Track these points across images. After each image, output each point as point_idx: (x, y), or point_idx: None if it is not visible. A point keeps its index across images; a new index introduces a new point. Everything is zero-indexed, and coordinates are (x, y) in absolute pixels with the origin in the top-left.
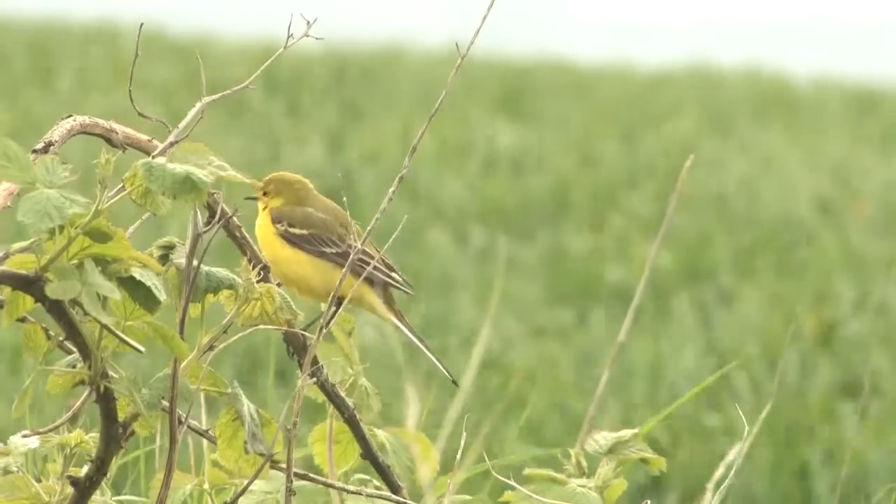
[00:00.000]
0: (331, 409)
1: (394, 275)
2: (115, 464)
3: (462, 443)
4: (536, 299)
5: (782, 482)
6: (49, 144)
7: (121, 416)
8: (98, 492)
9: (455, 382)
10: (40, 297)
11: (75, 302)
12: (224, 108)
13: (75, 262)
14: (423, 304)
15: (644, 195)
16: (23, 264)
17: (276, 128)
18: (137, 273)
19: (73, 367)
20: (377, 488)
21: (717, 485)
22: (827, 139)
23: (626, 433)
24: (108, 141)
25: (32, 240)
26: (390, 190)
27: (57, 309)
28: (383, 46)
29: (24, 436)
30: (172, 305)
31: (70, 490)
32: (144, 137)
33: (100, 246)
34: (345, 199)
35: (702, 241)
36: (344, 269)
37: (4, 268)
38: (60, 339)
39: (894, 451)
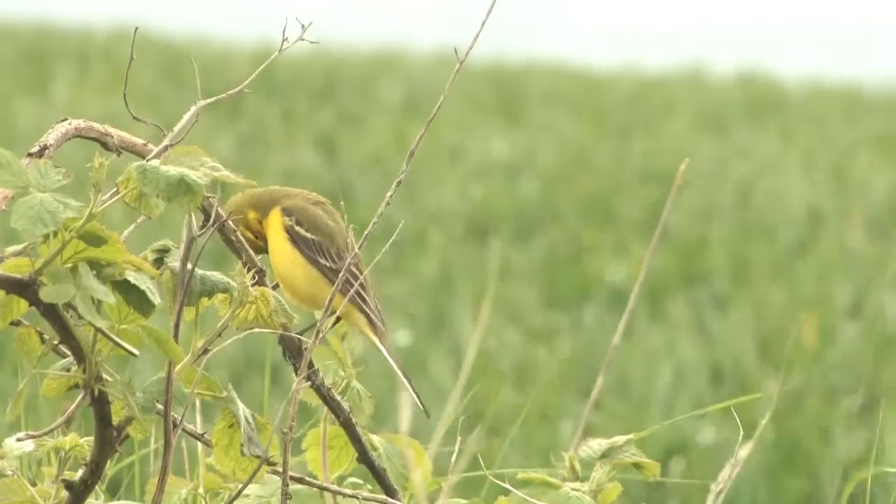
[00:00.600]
0: (324, 412)
1: (370, 305)
2: (110, 468)
3: (456, 447)
4: (531, 303)
5: (783, 489)
6: (44, 148)
7: (115, 420)
8: (93, 496)
9: (427, 413)
10: (34, 301)
11: (69, 305)
12: (216, 112)
13: (69, 265)
14: (419, 308)
15: (639, 199)
16: (17, 268)
17: (269, 131)
18: (132, 277)
19: (68, 370)
20: (371, 492)
21: (718, 490)
22: (822, 143)
23: (620, 439)
24: (104, 145)
25: (26, 243)
26: (388, 194)
27: (51, 312)
28: (376, 51)
29: (19, 439)
30: (167, 309)
31: (65, 494)
32: (140, 141)
33: (94, 249)
34: (342, 203)
35: (697, 245)
36: (333, 289)
37: None
38: (55, 342)
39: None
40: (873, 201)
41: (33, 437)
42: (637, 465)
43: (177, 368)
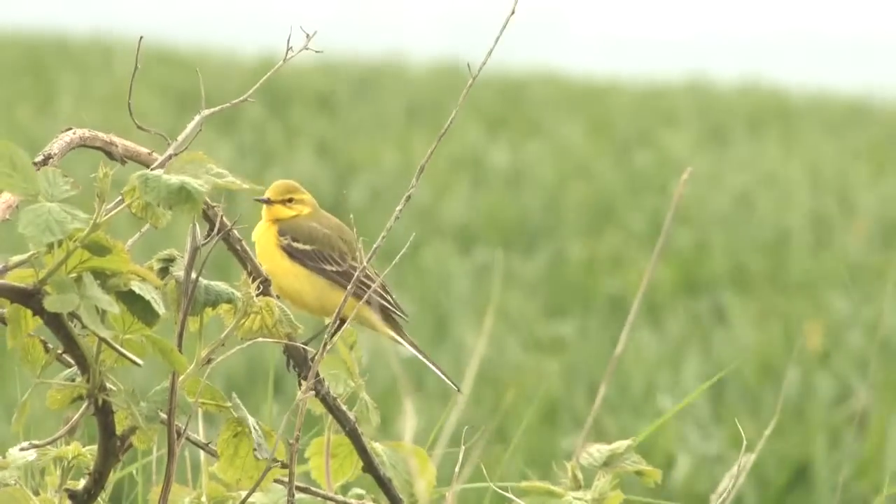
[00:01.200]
0: (328, 421)
1: (389, 299)
2: (113, 477)
3: (460, 456)
4: (534, 313)
5: (783, 493)
6: (48, 157)
7: (119, 430)
8: None
9: (458, 389)
10: (38, 310)
11: (74, 315)
12: (216, 120)
13: (74, 275)
14: (422, 319)
15: (641, 208)
16: (21, 277)
17: (269, 140)
18: (136, 286)
19: (72, 380)
20: (375, 501)
21: (722, 498)
22: (823, 152)
23: (621, 445)
24: (108, 154)
25: (31, 253)
26: (397, 209)
27: (55, 322)
28: (377, 60)
29: (22, 448)
30: (172, 319)
31: (68, 503)
32: (144, 150)
33: (98, 259)
34: (351, 216)
35: (698, 255)
36: (346, 292)
37: (3, 281)
38: (59, 352)
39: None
40: (875, 210)
41: (36, 446)
42: (639, 473)
43: (181, 378)
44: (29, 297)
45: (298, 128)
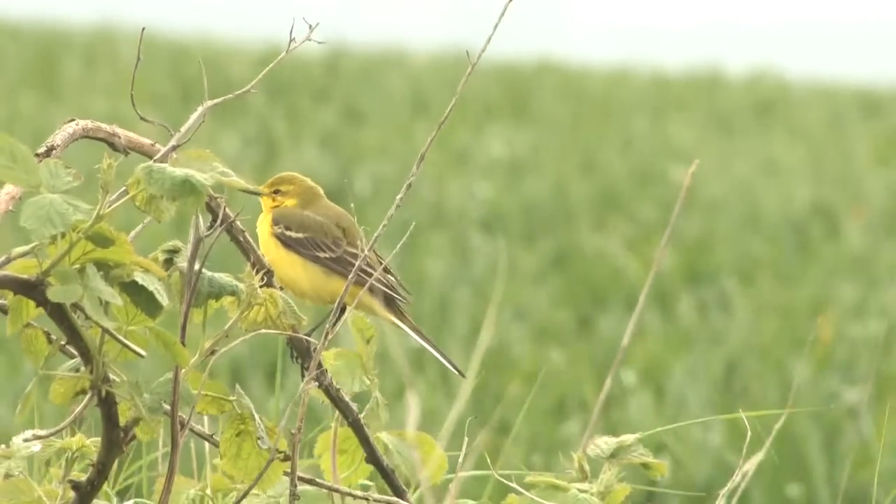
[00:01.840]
0: (335, 414)
1: (391, 281)
2: (124, 471)
3: (464, 447)
4: (539, 302)
5: (786, 488)
6: (51, 148)
7: (122, 421)
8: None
9: (462, 374)
10: (42, 301)
11: (77, 306)
12: (221, 110)
13: (77, 266)
14: (425, 308)
15: (646, 198)
16: (24, 269)
17: (274, 130)
18: (139, 278)
19: (76, 371)
20: (380, 492)
21: (730, 493)
22: (828, 142)
23: (629, 437)
24: (111, 145)
25: (34, 244)
26: (398, 197)
27: (58, 313)
28: (381, 49)
29: (26, 440)
30: (176, 310)
31: (71, 494)
32: (147, 141)
33: (102, 250)
34: (352, 205)
35: (704, 245)
36: (347, 281)
37: (6, 272)
38: (62, 343)
39: None
40: (881, 200)
41: (40, 437)
42: (645, 466)
43: (184, 370)
44: (32, 288)
45: (303, 117)
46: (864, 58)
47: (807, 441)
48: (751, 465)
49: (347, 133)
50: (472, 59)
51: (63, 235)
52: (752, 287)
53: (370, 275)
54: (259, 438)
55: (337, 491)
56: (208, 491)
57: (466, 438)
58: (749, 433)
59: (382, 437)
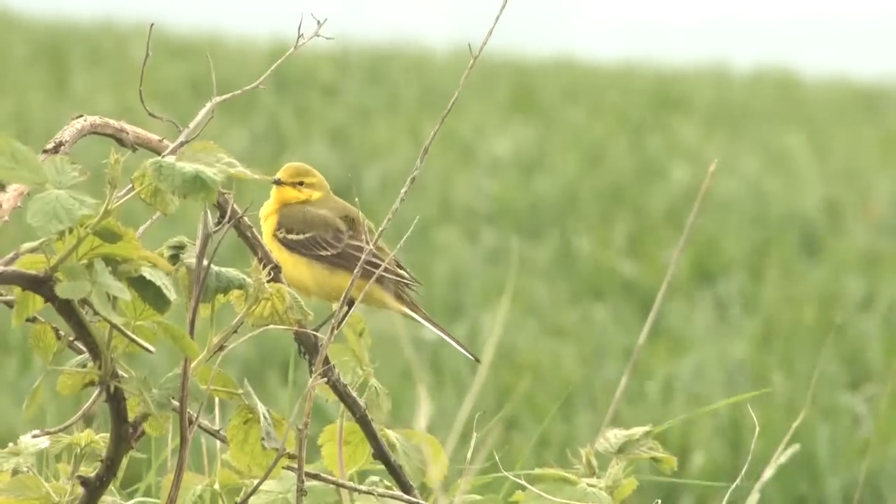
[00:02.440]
0: (340, 409)
1: (401, 272)
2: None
3: (472, 443)
4: (546, 298)
5: (794, 482)
6: (59, 144)
7: (131, 416)
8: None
9: (478, 360)
10: (50, 297)
11: (85, 302)
12: (229, 107)
13: (85, 261)
14: (433, 304)
15: (654, 194)
16: (33, 264)
17: (282, 125)
18: (147, 273)
19: (84, 366)
20: (387, 488)
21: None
22: (838, 139)
23: (638, 431)
24: (119, 141)
25: (42, 240)
26: (402, 191)
27: (67, 309)
28: (389, 45)
29: (35, 436)
30: (184, 305)
31: (80, 490)
32: (155, 137)
33: (110, 246)
34: (357, 199)
35: (712, 241)
36: (353, 276)
37: (14, 268)
38: (70, 339)
39: None
40: (890, 196)
41: (49, 433)
42: (654, 460)
43: (192, 364)
44: (41, 284)
45: (312, 114)
46: (874, 54)
47: (815, 436)
48: (785, 457)
49: (356, 129)
50: (473, 53)
51: (70, 231)
52: (761, 283)
53: (377, 266)
54: (264, 437)
55: (343, 486)
56: (216, 486)
57: (475, 435)
58: (757, 428)
59: (389, 435)
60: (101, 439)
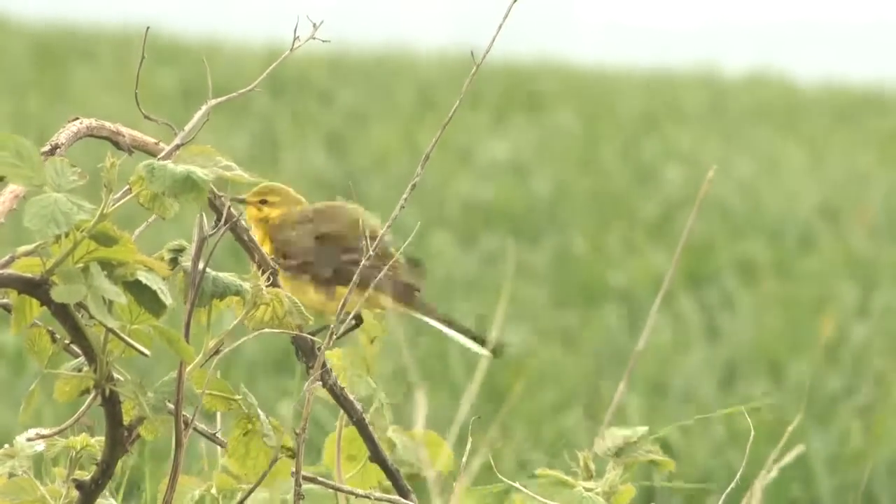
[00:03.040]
0: (340, 413)
1: (400, 273)
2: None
3: (468, 446)
4: (541, 302)
5: (788, 487)
6: (55, 147)
7: (126, 420)
8: (104, 495)
9: (486, 348)
10: (46, 301)
11: (81, 305)
12: (225, 110)
13: (81, 265)
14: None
15: (648, 199)
16: (28, 267)
17: (278, 130)
18: (143, 277)
19: (79, 370)
20: (385, 492)
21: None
22: (832, 143)
23: (635, 433)
24: (115, 144)
25: (38, 243)
26: (402, 198)
27: (62, 312)
28: (385, 49)
29: (30, 439)
30: (180, 310)
31: (75, 494)
32: (151, 140)
33: (105, 249)
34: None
35: (704, 245)
36: (346, 292)
37: (10, 271)
38: (66, 342)
39: None
40: (883, 201)
41: (44, 436)
42: (652, 462)
43: (188, 368)
44: (36, 287)
45: (308, 118)
46: (869, 58)
47: (808, 440)
48: (789, 457)
49: (352, 133)
50: (476, 60)
51: (67, 234)
52: (754, 287)
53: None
54: (265, 437)
55: (340, 490)
56: (214, 491)
57: (471, 439)
58: (752, 433)
59: (391, 436)
60: (96, 443)
